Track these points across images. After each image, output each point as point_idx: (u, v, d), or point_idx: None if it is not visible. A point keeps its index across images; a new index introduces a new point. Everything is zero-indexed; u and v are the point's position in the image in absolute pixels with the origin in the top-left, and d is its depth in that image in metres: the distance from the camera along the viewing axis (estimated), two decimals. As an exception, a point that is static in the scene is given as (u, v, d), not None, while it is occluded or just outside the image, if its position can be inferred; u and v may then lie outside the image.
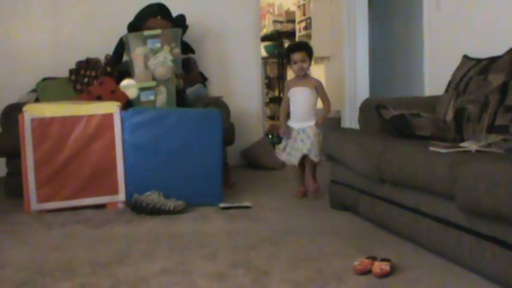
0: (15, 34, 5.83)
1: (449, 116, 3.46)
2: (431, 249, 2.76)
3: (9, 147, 4.40)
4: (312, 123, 4.42)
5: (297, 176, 4.62)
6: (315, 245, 3.03)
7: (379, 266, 2.47)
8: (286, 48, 4.85)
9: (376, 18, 7.15)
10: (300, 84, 4.50)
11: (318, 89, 4.50)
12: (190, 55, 5.61)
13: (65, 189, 4.02)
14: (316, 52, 7.52)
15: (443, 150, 2.69)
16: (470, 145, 2.78)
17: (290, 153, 4.48)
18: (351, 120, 6.47)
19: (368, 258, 2.57)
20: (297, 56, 4.43)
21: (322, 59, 7.72)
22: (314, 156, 4.35)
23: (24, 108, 4.05)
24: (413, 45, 6.53)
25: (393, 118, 3.49)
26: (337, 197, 3.90)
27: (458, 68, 3.70)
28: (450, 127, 3.41)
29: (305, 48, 4.51)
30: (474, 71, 3.46)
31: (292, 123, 4.52)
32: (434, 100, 3.82)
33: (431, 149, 2.78)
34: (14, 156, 4.25)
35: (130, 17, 5.20)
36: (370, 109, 3.94)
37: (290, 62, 4.54)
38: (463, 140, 3.15)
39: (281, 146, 4.59)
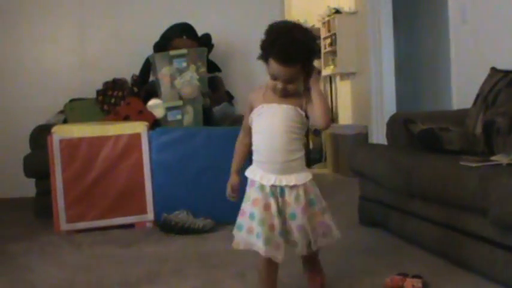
0: (43, 56, 5.92)
1: (479, 130, 3.42)
2: (464, 265, 2.71)
3: (39, 168, 4.44)
4: (304, 177, 2.33)
5: (266, 283, 2.37)
6: (345, 263, 3.01)
7: (411, 283, 2.44)
8: (267, 42, 2.30)
9: (402, 32, 7.13)
10: (275, 100, 2.31)
11: (308, 104, 2.32)
12: (217, 74, 5.63)
13: (93, 209, 4.05)
14: (342, 68, 7.55)
15: (473, 164, 2.66)
16: (500, 159, 2.74)
17: (262, 236, 2.24)
18: (378, 135, 6.42)
19: (399, 275, 2.54)
20: (282, 70, 2.22)
21: (348, 74, 7.70)
22: (318, 245, 2.38)
23: (53, 130, 4.09)
24: (440, 59, 6.48)
25: (422, 133, 3.46)
26: (366, 213, 3.87)
27: (486, 81, 3.66)
28: (479, 140, 3.37)
29: (301, 59, 2.24)
30: (503, 83, 3.42)
31: (258, 173, 2.35)
32: (462, 114, 3.77)
33: (461, 163, 2.75)
34: (43, 177, 4.29)
35: (156, 37, 5.24)
36: (398, 124, 3.92)
37: (267, 62, 2.30)
38: (492, 154, 3.11)
39: (242, 220, 2.34)
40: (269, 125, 2.31)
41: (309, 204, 2.33)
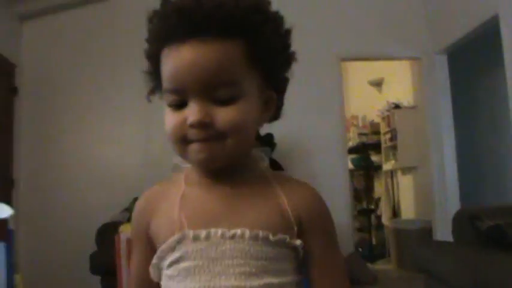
0: (108, 156, 6.14)
1: (548, 225, 3.37)
2: None
3: (105, 265, 4.51)
4: None
5: None
6: None
7: None
8: (152, 15, 1.05)
9: (462, 125, 7.12)
10: (211, 211, 1.04)
11: (308, 230, 1.07)
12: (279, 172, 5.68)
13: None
14: (403, 162, 7.55)
15: (544, 263, 2.62)
16: None
17: None
18: (442, 230, 6.31)
19: None
20: (188, 61, 0.97)
21: (409, 169, 7.69)
22: None
23: (120, 229, 4.17)
24: (503, 150, 6.44)
25: (489, 229, 3.42)
26: (434, 312, 3.78)
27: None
28: (550, 237, 3.31)
29: (235, 23, 0.97)
30: None
31: None
32: (529, 208, 3.73)
33: (531, 261, 2.70)
34: (109, 275, 4.35)
35: (220, 138, 5.37)
36: (463, 220, 3.87)
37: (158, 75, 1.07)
38: None
39: None
40: None
41: None
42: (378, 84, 9.28)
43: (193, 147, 1.00)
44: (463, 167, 6.83)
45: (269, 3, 1.03)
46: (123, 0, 6.22)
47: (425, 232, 6.58)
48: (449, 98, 6.65)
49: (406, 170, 7.87)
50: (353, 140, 9.27)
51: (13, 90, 6.03)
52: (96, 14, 6.30)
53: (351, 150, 8.83)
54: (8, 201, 5.35)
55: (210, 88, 0.97)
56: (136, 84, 5.47)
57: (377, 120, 8.89)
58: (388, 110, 8.09)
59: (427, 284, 3.85)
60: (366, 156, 9.05)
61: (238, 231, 0.99)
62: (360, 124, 9.41)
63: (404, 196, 8.21)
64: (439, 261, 3.60)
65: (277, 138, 5.59)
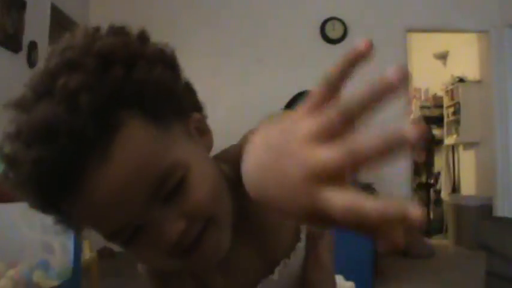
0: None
1: None
2: None
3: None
4: None
5: None
6: None
7: None
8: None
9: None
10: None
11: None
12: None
13: None
14: (466, 137, 7.41)
15: None
16: None
17: None
18: (504, 207, 6.22)
19: None
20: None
21: (471, 144, 7.55)
22: None
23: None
24: None
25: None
26: (494, 289, 3.75)
27: None
28: None
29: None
30: None
31: None
32: None
33: None
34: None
35: (281, 106, 5.37)
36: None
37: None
38: None
39: None
40: None
41: None
42: (442, 57, 9.09)
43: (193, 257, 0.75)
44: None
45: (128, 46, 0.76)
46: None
47: (486, 209, 6.48)
48: (517, 73, 6.50)
49: (468, 145, 7.73)
50: (415, 113, 9.15)
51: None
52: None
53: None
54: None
55: (155, 194, 0.71)
56: (208, 47, 5.47)
57: (440, 93, 8.74)
58: (452, 84, 7.94)
59: (488, 262, 3.81)
60: (427, 130, 8.90)
61: None
62: (423, 97, 9.27)
63: (465, 171, 8.09)
64: (502, 238, 3.56)
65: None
